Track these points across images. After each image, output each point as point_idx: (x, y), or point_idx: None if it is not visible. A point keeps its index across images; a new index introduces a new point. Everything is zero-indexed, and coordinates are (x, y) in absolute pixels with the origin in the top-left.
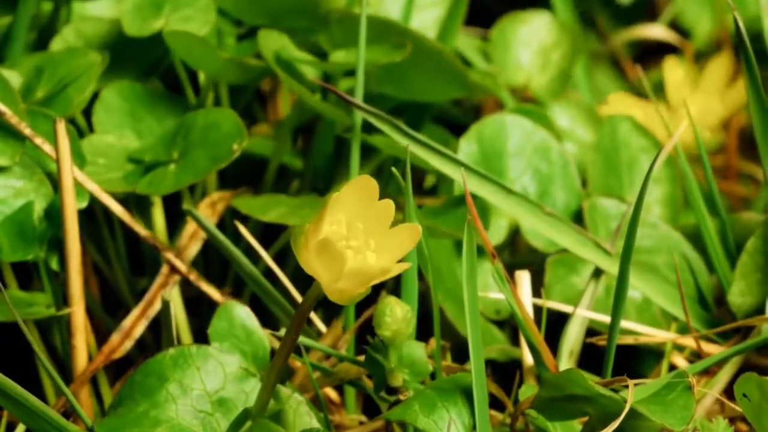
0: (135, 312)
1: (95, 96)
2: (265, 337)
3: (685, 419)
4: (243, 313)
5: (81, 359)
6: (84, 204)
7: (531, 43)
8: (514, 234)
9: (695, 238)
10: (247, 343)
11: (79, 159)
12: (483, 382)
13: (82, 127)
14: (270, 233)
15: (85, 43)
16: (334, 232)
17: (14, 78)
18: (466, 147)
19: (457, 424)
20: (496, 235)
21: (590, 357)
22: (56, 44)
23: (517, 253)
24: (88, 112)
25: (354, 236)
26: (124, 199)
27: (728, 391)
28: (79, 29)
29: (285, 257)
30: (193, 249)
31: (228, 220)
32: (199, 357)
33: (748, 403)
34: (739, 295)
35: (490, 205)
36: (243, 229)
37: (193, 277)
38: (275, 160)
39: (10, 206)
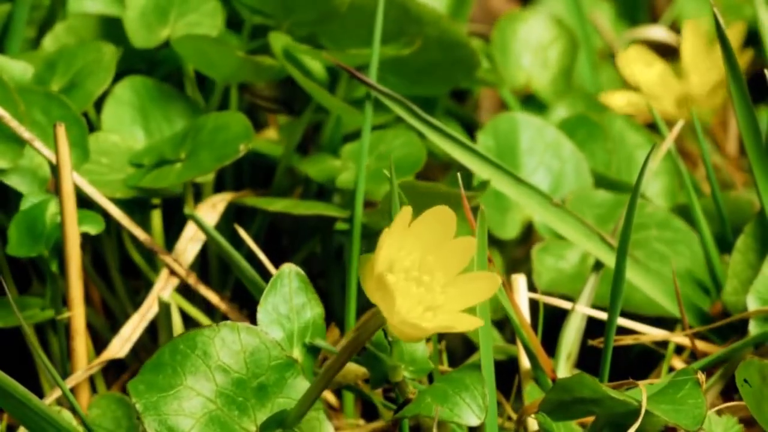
0: (134, 318)
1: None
2: (317, 312)
3: (698, 419)
4: (296, 282)
5: (80, 363)
6: (100, 229)
7: (530, 42)
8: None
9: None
10: (297, 320)
11: (84, 155)
12: (491, 372)
13: (93, 120)
14: (271, 238)
15: (77, 40)
16: (402, 264)
17: (27, 71)
18: (484, 140)
19: (473, 407)
20: (510, 230)
21: (588, 354)
22: (49, 41)
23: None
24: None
25: (426, 271)
26: (124, 203)
27: (724, 393)
28: (72, 26)
29: (284, 260)
30: (192, 252)
31: (228, 223)
32: (249, 340)
33: (748, 389)
34: (733, 294)
35: (504, 198)
36: (243, 233)
37: (191, 280)
38: (284, 162)
39: (30, 201)
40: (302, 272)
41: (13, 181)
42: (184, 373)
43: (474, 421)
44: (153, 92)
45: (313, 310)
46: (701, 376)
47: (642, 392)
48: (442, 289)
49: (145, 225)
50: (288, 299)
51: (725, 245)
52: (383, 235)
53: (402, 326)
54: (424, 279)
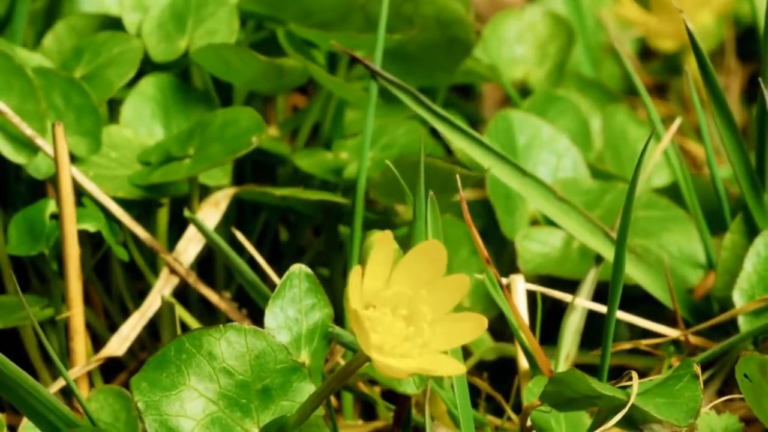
0: (134, 316)
1: None
2: (326, 314)
3: (691, 412)
4: (305, 283)
5: (79, 362)
6: (99, 226)
7: (526, 38)
8: None
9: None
10: (305, 321)
11: (95, 145)
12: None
13: (102, 116)
14: (276, 237)
15: (77, 39)
16: (388, 298)
17: (45, 64)
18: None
19: (414, 377)
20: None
21: (588, 349)
22: (49, 40)
23: None
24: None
25: (414, 307)
26: (131, 202)
27: (721, 392)
28: (72, 25)
29: (282, 260)
30: (193, 252)
31: (233, 222)
32: (255, 343)
33: (748, 384)
34: (725, 290)
35: (513, 200)
36: (241, 237)
37: (191, 279)
38: (291, 158)
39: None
40: (312, 273)
41: (31, 170)
42: (188, 373)
43: (411, 391)
44: (177, 91)
45: (322, 311)
46: (697, 368)
47: (634, 386)
48: (429, 327)
49: (152, 224)
50: (297, 301)
51: (724, 226)
52: (354, 272)
53: (378, 364)
54: (411, 316)
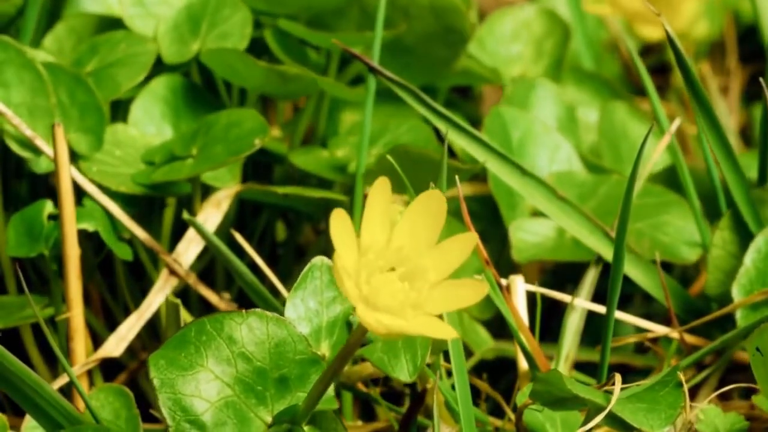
0: (132, 317)
1: None
2: (348, 307)
3: (668, 420)
4: (327, 275)
5: (79, 362)
6: (97, 226)
7: (521, 36)
8: None
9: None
10: (326, 314)
11: (97, 143)
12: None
13: (106, 115)
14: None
15: (77, 40)
16: (387, 253)
17: (51, 58)
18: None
19: (408, 366)
20: None
21: (591, 345)
22: (49, 41)
23: None
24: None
25: (417, 267)
26: (136, 202)
27: (719, 389)
28: (71, 26)
29: (282, 260)
30: (193, 253)
31: (235, 220)
32: (276, 331)
33: (759, 358)
34: (719, 287)
35: (514, 192)
36: (241, 239)
37: (191, 280)
38: (288, 156)
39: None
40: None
41: (33, 165)
42: (206, 355)
43: (404, 378)
44: (188, 92)
45: (343, 305)
46: (681, 376)
47: (615, 390)
48: (428, 289)
49: (156, 224)
50: (318, 293)
51: (719, 212)
52: (335, 214)
53: (365, 317)
54: (411, 273)
